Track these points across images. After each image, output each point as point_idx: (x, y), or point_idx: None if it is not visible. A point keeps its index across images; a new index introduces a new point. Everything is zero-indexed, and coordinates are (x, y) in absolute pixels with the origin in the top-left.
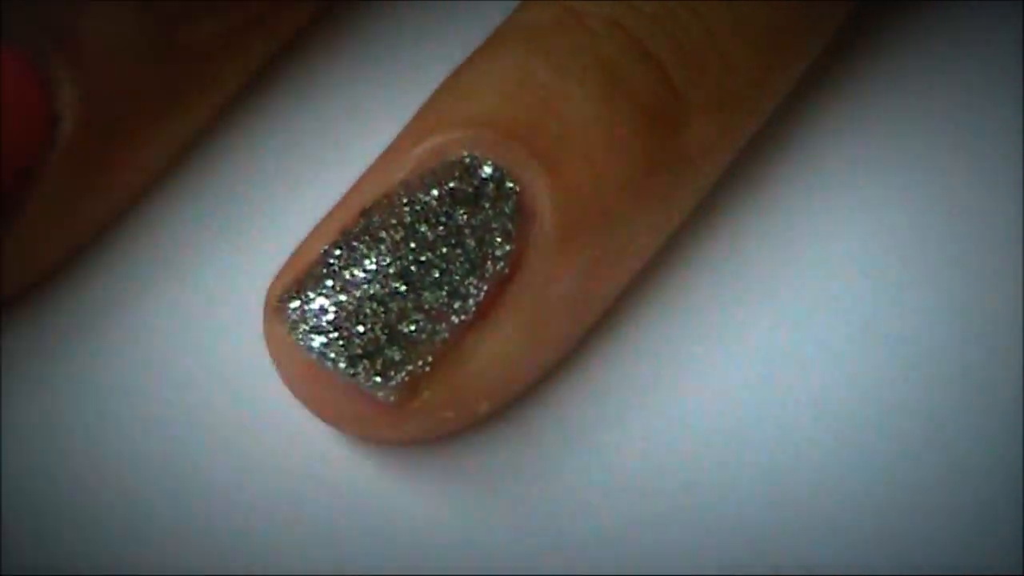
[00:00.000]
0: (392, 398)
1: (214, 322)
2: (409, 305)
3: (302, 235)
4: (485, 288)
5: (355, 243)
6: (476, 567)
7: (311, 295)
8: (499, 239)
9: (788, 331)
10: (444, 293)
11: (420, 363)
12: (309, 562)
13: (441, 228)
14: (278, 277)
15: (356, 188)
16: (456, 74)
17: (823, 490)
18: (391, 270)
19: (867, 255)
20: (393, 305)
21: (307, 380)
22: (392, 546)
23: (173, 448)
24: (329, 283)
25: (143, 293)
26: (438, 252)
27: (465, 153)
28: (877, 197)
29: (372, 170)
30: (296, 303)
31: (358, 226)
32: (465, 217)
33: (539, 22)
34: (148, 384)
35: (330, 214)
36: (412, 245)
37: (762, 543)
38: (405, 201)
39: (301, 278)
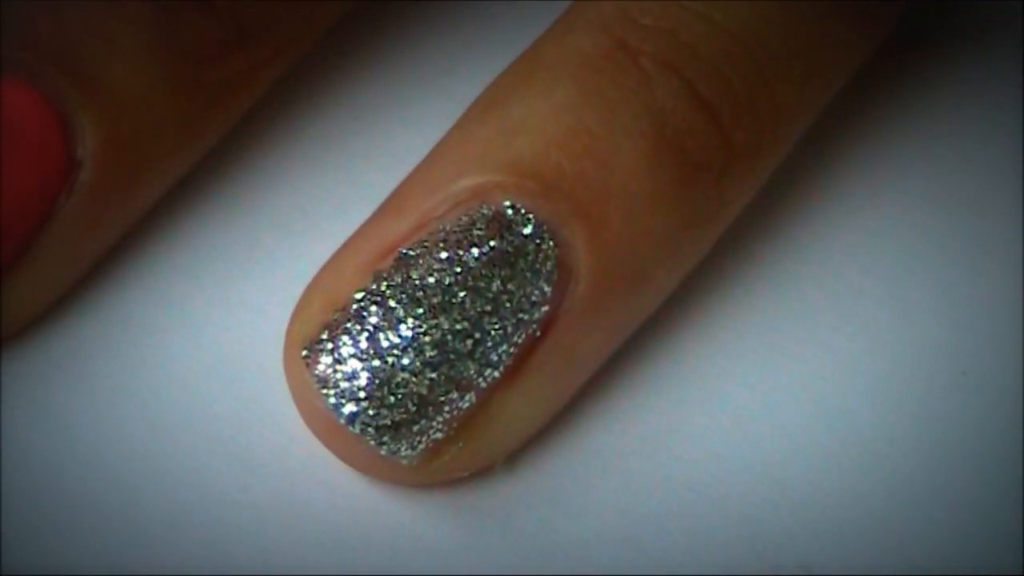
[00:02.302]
0: (415, 462)
1: (221, 325)
2: (441, 377)
3: (313, 238)
4: (515, 352)
5: (392, 302)
6: (476, 567)
7: (343, 355)
8: (535, 302)
9: (788, 332)
10: (477, 363)
11: (445, 430)
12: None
13: (479, 297)
14: (303, 307)
15: (388, 210)
16: (498, 99)
17: (823, 490)
18: (426, 339)
19: (868, 255)
20: (425, 376)
21: (326, 427)
22: (393, 552)
23: (179, 455)
24: (363, 345)
25: (150, 297)
26: (475, 321)
27: (507, 204)
28: (878, 197)
29: (406, 195)
30: (328, 359)
31: (394, 278)
32: (503, 282)
33: (590, 54)
34: (154, 388)
35: (360, 236)
36: (450, 312)
37: (762, 543)
38: (444, 257)
39: (331, 326)
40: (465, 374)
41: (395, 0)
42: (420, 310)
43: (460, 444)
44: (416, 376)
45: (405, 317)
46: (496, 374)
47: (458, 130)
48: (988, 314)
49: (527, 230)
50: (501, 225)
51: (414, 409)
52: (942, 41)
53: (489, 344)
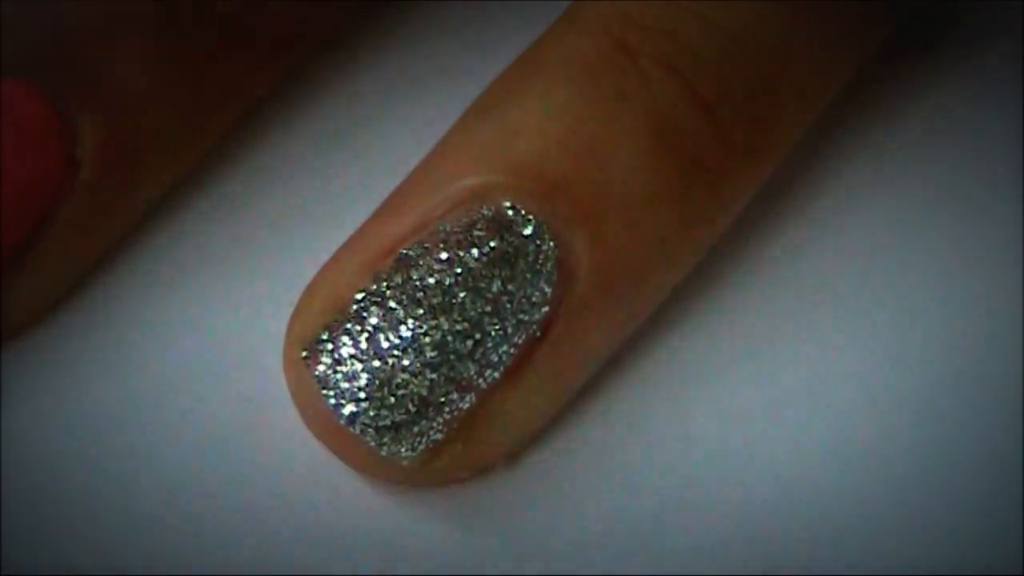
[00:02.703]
0: (415, 463)
1: (221, 325)
2: (441, 378)
3: (313, 238)
4: (515, 352)
5: (392, 303)
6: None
7: (343, 355)
8: (535, 303)
9: (788, 332)
10: (477, 364)
11: (445, 431)
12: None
13: (480, 298)
14: (303, 307)
15: (388, 210)
16: (499, 99)
17: (823, 490)
18: (427, 339)
19: (868, 255)
20: (425, 376)
21: (326, 428)
22: (393, 552)
23: (180, 455)
24: (363, 345)
25: (150, 297)
26: (475, 322)
27: (507, 204)
28: (878, 197)
29: (406, 195)
30: (328, 359)
31: (394, 278)
32: (504, 283)
33: (590, 54)
34: (154, 388)
35: (360, 236)
36: (450, 313)
37: (762, 543)
38: (444, 258)
39: (331, 326)
40: (465, 375)
41: (395, 0)
42: (420, 311)
43: (460, 445)
44: (416, 377)
45: (405, 318)
46: (496, 375)
47: (458, 130)
48: (988, 314)
49: (527, 231)
50: (501, 226)
51: (414, 410)
52: (942, 41)
53: (489, 345)
